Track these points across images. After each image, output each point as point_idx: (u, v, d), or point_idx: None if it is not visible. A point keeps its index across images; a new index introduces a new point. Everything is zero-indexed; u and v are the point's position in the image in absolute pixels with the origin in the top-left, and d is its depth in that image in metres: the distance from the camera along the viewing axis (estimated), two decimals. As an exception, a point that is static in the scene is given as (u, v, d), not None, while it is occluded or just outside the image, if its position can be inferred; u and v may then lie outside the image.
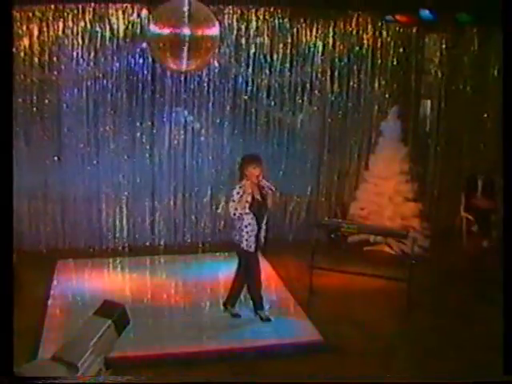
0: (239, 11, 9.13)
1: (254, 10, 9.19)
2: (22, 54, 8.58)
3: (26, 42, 8.60)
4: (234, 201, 6.85)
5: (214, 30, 6.09)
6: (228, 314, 7.23)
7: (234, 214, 6.86)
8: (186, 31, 5.89)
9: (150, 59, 8.92)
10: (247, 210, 6.81)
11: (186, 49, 5.89)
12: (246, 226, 6.86)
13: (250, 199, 6.80)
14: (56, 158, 9.01)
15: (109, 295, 7.48)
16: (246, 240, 6.88)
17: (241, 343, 6.67)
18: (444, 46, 10.26)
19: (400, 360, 6.47)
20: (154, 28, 6.03)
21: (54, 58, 8.82)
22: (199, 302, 7.69)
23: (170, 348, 6.47)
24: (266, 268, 8.28)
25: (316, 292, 7.86)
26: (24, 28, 8.56)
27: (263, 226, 6.96)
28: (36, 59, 8.71)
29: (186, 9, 5.87)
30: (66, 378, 4.26)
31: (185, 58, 5.92)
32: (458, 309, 7.58)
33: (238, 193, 6.83)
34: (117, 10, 8.82)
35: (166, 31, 5.93)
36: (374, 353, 6.48)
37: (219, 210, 8.29)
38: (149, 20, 7.42)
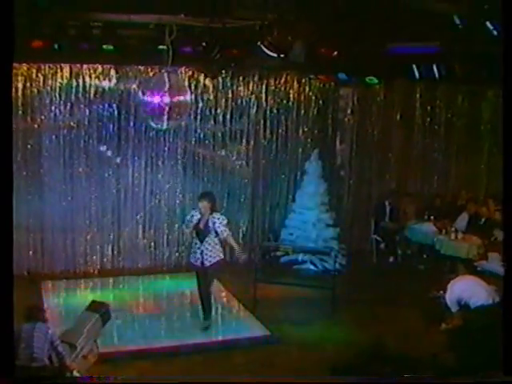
0: (190, 72, 10.99)
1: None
2: (9, 106, 10.09)
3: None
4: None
5: (188, 97, 7.96)
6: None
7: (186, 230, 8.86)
8: (166, 99, 7.70)
9: (116, 112, 10.73)
10: (193, 233, 8.67)
11: (166, 112, 7.69)
12: (192, 246, 8.78)
13: (195, 225, 8.61)
14: (37, 196, 10.57)
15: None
16: (193, 257, 8.74)
17: (207, 339, 8.49)
18: (355, 98, 12.54)
19: (327, 348, 8.19)
20: (141, 96, 7.82)
21: (36, 110, 10.43)
22: (158, 310, 9.56)
23: (150, 344, 8.21)
24: (215, 285, 10.22)
25: (260, 300, 9.63)
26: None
27: (203, 249, 8.55)
28: (20, 111, 10.25)
29: (166, 82, 7.70)
30: (65, 378, 6.11)
31: (165, 119, 7.73)
32: (370, 310, 9.51)
33: (189, 216, 8.78)
34: (89, 69, 10.52)
35: (151, 99, 7.72)
36: (307, 343, 8.32)
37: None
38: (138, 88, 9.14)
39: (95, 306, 6.86)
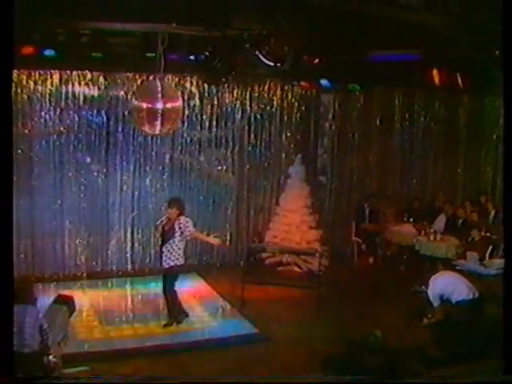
0: (177, 78, 11.23)
1: (188, 78, 11.35)
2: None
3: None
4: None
5: (179, 103, 8.21)
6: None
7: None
8: (159, 105, 7.93)
9: (105, 117, 10.97)
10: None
11: (159, 118, 7.93)
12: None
13: (161, 227, 8.94)
14: (28, 199, 10.71)
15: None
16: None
17: (199, 337, 8.77)
18: (337, 104, 12.90)
19: (313, 344, 8.42)
20: (135, 102, 8.06)
21: (26, 116, 10.60)
22: (146, 311, 9.75)
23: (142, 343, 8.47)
24: (204, 286, 10.72)
25: (247, 300, 9.91)
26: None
27: (164, 250, 8.86)
28: (10, 117, 10.42)
29: (159, 88, 7.94)
30: (65, 378, 6.45)
31: (158, 124, 7.96)
32: (353, 309, 9.80)
33: (159, 221, 9.05)
34: (78, 76, 10.72)
35: (144, 105, 7.94)
36: (294, 340, 8.63)
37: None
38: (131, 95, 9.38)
39: (62, 299, 7.46)
